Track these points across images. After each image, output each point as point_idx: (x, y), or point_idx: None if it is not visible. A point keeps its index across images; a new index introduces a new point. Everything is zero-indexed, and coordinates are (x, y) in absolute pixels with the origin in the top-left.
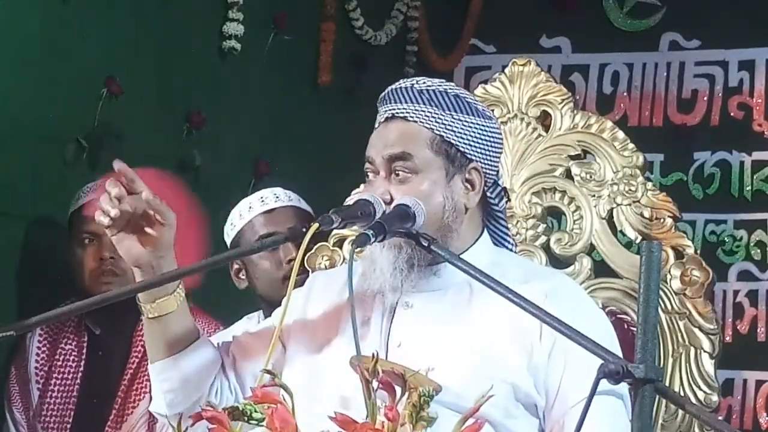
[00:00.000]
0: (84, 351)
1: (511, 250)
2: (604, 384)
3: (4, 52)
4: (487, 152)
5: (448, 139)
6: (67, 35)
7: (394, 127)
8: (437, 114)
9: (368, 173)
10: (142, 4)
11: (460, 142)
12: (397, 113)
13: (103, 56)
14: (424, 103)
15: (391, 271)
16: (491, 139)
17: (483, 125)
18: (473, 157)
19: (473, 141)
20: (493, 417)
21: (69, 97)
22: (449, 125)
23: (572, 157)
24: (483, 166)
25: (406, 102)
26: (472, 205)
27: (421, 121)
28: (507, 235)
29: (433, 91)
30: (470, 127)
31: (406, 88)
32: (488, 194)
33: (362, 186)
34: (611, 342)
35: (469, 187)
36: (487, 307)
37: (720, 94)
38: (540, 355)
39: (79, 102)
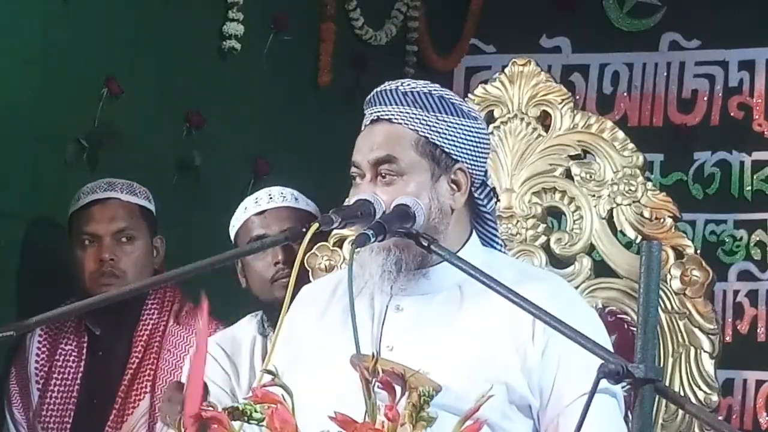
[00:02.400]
0: (84, 351)
1: (499, 250)
2: None
3: (5, 52)
4: (473, 152)
5: (432, 141)
6: (67, 35)
7: (379, 130)
8: (421, 115)
9: (355, 177)
10: (142, 4)
11: (444, 143)
12: (381, 115)
13: (103, 56)
14: (409, 105)
15: (380, 274)
16: (477, 140)
17: (468, 126)
18: (458, 158)
19: (458, 141)
20: (490, 419)
21: (69, 97)
22: (433, 126)
23: (572, 157)
24: (469, 166)
25: (391, 104)
26: (458, 206)
27: (405, 123)
28: (495, 236)
29: (418, 92)
30: (455, 127)
31: (390, 90)
32: (476, 195)
33: (351, 189)
34: (605, 343)
35: (454, 187)
36: (478, 309)
37: (720, 94)
38: (533, 356)
39: (79, 102)
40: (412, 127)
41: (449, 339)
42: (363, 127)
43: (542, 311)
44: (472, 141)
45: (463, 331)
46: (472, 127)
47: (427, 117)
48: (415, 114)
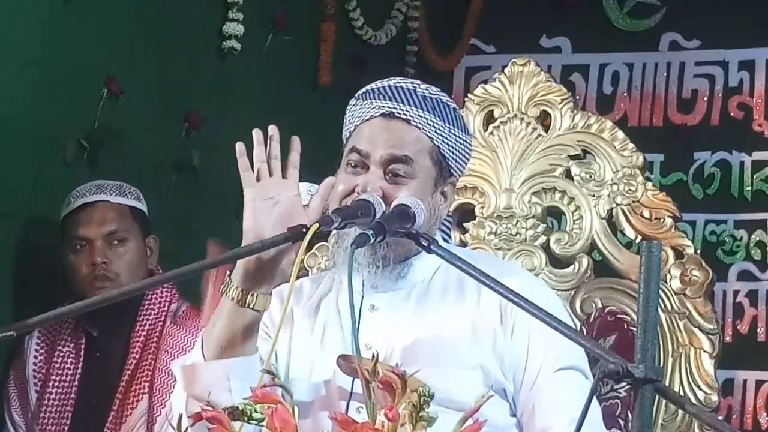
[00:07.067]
0: (81, 353)
1: (447, 241)
2: (566, 359)
3: (5, 52)
4: (464, 168)
5: (443, 152)
6: (68, 35)
7: (397, 128)
8: (439, 125)
9: (353, 164)
10: (142, 4)
11: (451, 157)
12: (397, 113)
13: (103, 56)
14: (428, 111)
15: (367, 268)
16: (469, 157)
17: (468, 143)
18: (455, 173)
19: (460, 158)
20: (470, 405)
21: (69, 97)
22: (446, 138)
23: (572, 157)
24: (456, 180)
25: (409, 105)
26: (442, 217)
27: (424, 129)
28: (449, 228)
29: (436, 100)
30: (461, 143)
31: (408, 89)
32: None
33: (341, 175)
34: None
35: (443, 199)
36: (450, 300)
37: (720, 94)
38: (503, 339)
39: (80, 102)
40: (429, 134)
41: (424, 333)
42: (367, 117)
43: (531, 303)
44: (467, 157)
45: (438, 323)
46: (470, 143)
47: (443, 127)
48: (433, 122)
